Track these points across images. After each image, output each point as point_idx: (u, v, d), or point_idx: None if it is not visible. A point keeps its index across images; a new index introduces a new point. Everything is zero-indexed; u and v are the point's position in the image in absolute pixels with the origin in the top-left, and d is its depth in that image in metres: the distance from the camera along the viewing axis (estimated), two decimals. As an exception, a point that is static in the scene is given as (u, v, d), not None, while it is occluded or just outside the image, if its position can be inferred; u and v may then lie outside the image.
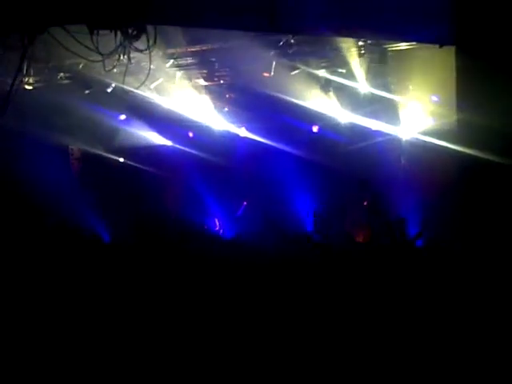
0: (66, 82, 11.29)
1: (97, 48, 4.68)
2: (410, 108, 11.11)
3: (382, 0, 4.61)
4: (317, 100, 11.40)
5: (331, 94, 11.13)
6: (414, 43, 8.48)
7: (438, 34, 5.08)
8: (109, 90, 11.39)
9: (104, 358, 2.60)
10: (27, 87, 10.94)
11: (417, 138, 11.77)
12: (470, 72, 4.92)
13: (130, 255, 4.48)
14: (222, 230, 12.42)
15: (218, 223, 12.56)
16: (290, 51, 9.51)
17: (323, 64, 10.27)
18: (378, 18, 4.64)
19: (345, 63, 9.90)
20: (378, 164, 12.01)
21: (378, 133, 12.48)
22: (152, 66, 9.29)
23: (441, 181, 10.19)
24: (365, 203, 11.33)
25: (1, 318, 3.19)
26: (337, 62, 10.09)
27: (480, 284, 3.81)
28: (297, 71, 10.15)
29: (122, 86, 10.49)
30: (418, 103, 10.91)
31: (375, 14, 4.59)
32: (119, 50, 5.01)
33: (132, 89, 10.88)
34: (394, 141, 12.32)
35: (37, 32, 4.53)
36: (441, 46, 6.03)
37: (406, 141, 12.23)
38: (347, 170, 12.14)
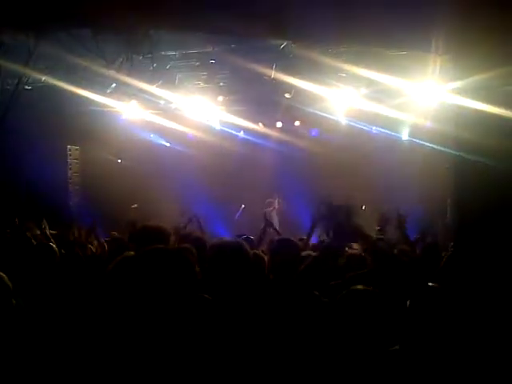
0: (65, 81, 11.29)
1: (101, 52, 4.71)
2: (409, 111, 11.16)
3: (383, 10, 4.66)
4: (317, 103, 11.48)
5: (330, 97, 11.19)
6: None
7: (435, 44, 5.17)
8: (108, 91, 11.40)
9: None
10: (26, 87, 10.93)
11: (416, 141, 11.89)
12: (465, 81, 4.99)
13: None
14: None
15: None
16: (291, 55, 9.52)
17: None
18: (379, 28, 4.70)
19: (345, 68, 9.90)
20: (376, 165, 12.13)
21: (378, 135, 12.61)
22: (152, 68, 9.41)
23: (438, 183, 10.28)
24: (363, 207, 11.37)
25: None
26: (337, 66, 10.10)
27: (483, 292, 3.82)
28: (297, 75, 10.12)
29: (123, 86, 10.57)
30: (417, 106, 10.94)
31: (376, 24, 4.65)
32: (122, 54, 5.03)
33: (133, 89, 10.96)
34: (393, 143, 12.45)
35: (42, 35, 4.56)
36: (438, 55, 6.12)
37: (406, 143, 12.36)
38: (347, 173, 12.23)
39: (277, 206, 12.61)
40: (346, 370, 2.44)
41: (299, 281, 3.17)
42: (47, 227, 6.36)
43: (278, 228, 10.69)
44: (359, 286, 2.63)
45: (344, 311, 2.53)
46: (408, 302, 2.78)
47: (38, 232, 5.82)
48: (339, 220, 3.17)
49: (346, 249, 6.11)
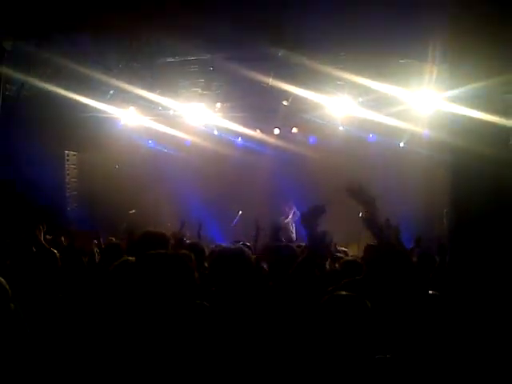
0: (64, 87, 11.31)
1: (101, 59, 4.76)
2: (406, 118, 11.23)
3: (381, 20, 4.72)
4: (315, 111, 11.55)
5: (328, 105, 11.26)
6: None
7: (432, 53, 5.25)
8: (107, 98, 11.44)
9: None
10: (26, 93, 10.96)
11: (413, 148, 11.97)
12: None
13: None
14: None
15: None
16: (289, 62, 9.56)
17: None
18: (377, 37, 4.75)
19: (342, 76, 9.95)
20: (374, 172, 12.19)
21: (375, 142, 12.70)
22: (150, 75, 9.47)
23: (435, 190, 10.34)
24: (360, 214, 11.39)
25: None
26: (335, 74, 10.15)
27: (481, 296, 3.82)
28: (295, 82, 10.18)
29: (122, 93, 10.63)
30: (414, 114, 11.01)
31: (374, 33, 4.70)
32: (121, 61, 5.09)
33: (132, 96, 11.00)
34: (390, 150, 12.53)
35: (43, 42, 4.61)
36: (435, 64, 6.18)
37: (403, 150, 12.44)
38: (344, 180, 12.27)
39: (291, 216, 12.60)
40: (330, 377, 2.45)
41: (289, 286, 3.20)
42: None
43: (295, 236, 10.66)
44: (342, 292, 2.63)
45: (326, 317, 2.53)
46: (405, 310, 2.80)
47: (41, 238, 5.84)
48: (310, 225, 3.22)
49: (340, 254, 6.16)
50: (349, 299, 2.55)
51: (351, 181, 3.24)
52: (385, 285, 3.03)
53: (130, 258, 3.15)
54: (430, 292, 2.96)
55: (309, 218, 3.30)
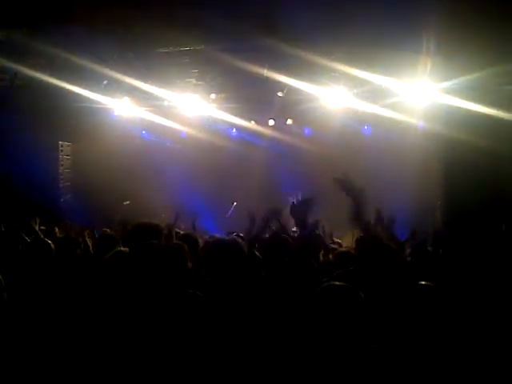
0: (58, 77, 11.24)
1: (95, 49, 4.73)
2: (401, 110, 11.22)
3: (375, 11, 4.70)
4: (310, 102, 11.53)
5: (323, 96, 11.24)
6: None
7: (426, 45, 5.25)
8: (101, 88, 11.37)
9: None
10: (19, 83, 10.88)
11: (407, 140, 11.97)
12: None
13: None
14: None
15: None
16: (284, 54, 9.52)
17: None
18: (370, 28, 4.74)
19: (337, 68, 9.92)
20: (368, 164, 12.21)
21: (370, 134, 12.71)
22: (144, 65, 9.42)
23: (430, 182, 10.36)
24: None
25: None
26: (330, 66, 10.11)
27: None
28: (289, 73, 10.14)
29: (116, 83, 10.57)
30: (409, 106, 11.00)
31: (368, 24, 4.69)
32: (115, 51, 5.06)
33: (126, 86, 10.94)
34: (385, 141, 12.53)
35: (36, 32, 4.58)
36: (429, 56, 6.18)
37: (398, 141, 12.44)
38: (338, 171, 12.27)
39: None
40: (322, 366, 2.46)
41: (283, 276, 3.20)
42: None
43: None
44: (336, 282, 2.64)
45: (319, 307, 2.53)
46: (397, 300, 2.80)
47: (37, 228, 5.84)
48: (300, 218, 3.24)
49: (334, 246, 6.16)
50: (342, 289, 2.55)
51: (339, 173, 3.25)
52: (376, 276, 3.04)
53: (124, 248, 3.16)
54: (423, 283, 2.96)
55: (298, 211, 3.31)
